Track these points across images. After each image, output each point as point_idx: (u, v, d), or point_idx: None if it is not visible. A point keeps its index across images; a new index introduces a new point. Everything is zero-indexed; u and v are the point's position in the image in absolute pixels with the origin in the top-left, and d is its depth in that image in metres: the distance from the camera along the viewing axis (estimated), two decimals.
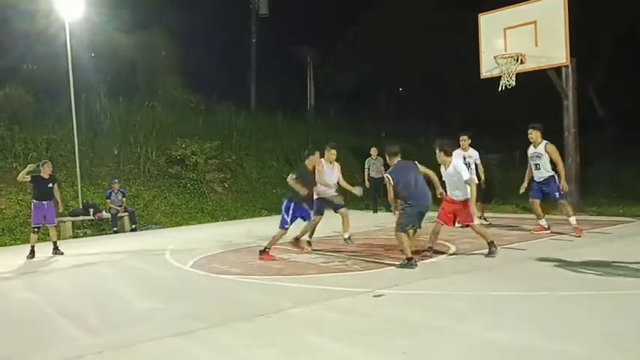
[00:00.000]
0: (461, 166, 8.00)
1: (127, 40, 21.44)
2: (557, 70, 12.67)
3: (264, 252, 8.81)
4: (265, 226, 13.44)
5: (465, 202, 7.88)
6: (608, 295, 5.58)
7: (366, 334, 4.73)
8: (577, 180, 13.00)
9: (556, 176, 9.45)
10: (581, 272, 6.67)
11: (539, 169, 9.56)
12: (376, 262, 7.94)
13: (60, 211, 11.13)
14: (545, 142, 9.54)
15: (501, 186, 15.38)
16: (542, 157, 9.51)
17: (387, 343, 4.46)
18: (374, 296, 5.97)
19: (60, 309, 6.33)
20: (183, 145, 18.29)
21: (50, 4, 15.79)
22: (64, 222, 13.94)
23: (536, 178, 9.64)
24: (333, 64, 28.51)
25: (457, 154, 9.89)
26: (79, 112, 16.25)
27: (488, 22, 13.22)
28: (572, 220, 9.48)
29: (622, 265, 6.86)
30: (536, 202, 9.70)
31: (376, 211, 15.67)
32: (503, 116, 20.81)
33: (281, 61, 27.79)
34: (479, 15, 13.43)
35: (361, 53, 27.20)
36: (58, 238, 11.33)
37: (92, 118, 18.39)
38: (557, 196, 9.49)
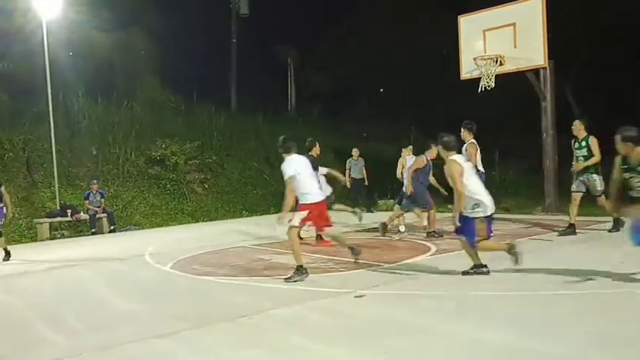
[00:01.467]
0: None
1: (106, 40, 21.24)
2: (536, 71, 12.82)
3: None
4: (246, 227, 13.44)
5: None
6: (588, 294, 5.66)
7: (348, 334, 4.74)
8: (555, 181, 13.17)
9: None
10: (561, 272, 6.74)
11: None
12: (357, 262, 7.94)
13: (9, 217, 10.54)
14: (470, 141, 9.59)
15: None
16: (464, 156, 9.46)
17: (369, 343, 4.47)
18: (355, 297, 5.98)
19: (38, 311, 6.24)
20: (163, 146, 18.16)
21: (28, 2, 15.55)
22: (41, 223, 13.76)
23: None
24: (314, 65, 28.50)
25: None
26: (57, 112, 16.03)
27: (468, 24, 13.33)
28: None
29: (599, 264, 6.96)
30: None
31: None
32: (483, 117, 20.98)
33: (262, 62, 27.71)
34: (458, 17, 13.53)
35: (342, 54, 27.22)
36: (35, 240, 11.15)
37: (70, 117, 18.16)
38: None
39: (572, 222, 9.53)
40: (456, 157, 6.66)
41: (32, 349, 4.87)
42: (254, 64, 27.16)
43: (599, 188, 9.22)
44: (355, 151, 16.19)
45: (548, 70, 12.79)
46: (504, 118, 21.79)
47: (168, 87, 22.99)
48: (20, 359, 4.73)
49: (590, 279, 6.28)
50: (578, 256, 7.76)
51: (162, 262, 8.99)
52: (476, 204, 6.45)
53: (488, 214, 6.54)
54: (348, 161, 16.24)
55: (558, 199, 13.19)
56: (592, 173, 9.24)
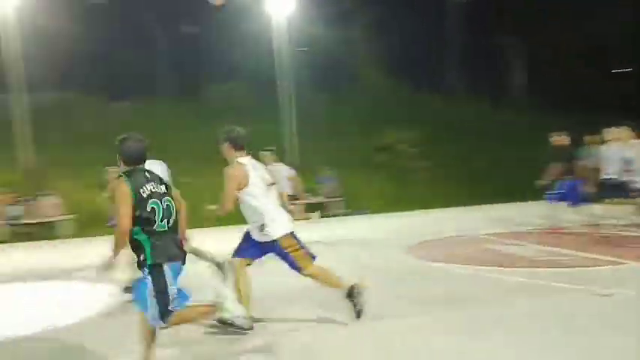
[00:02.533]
0: None
1: (333, 34, 22.21)
2: None
3: None
4: (481, 215, 12.85)
5: None
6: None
7: None
8: None
9: None
10: None
11: None
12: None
13: None
14: None
15: None
16: None
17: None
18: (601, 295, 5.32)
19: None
20: (389, 134, 18.60)
21: (260, 2, 16.88)
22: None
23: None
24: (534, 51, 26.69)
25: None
26: (290, 106, 17.20)
27: None
28: None
29: None
30: None
31: None
32: None
33: (479, 46, 26.61)
34: None
35: None
36: None
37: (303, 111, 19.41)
38: None
39: None
40: (244, 159, 4.81)
41: None
42: (470, 48, 26.30)
43: None
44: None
45: None
46: None
47: (393, 76, 23.38)
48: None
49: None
50: None
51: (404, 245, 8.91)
52: (264, 224, 4.71)
53: (275, 237, 4.69)
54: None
55: None
56: None
